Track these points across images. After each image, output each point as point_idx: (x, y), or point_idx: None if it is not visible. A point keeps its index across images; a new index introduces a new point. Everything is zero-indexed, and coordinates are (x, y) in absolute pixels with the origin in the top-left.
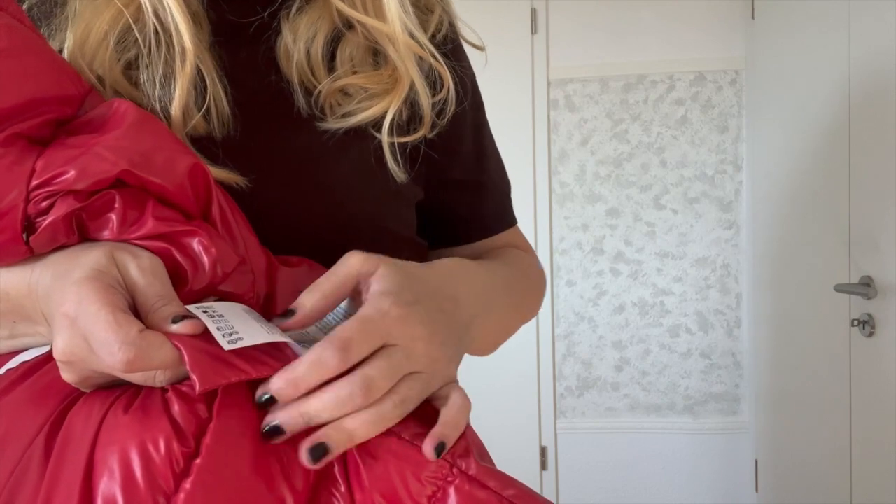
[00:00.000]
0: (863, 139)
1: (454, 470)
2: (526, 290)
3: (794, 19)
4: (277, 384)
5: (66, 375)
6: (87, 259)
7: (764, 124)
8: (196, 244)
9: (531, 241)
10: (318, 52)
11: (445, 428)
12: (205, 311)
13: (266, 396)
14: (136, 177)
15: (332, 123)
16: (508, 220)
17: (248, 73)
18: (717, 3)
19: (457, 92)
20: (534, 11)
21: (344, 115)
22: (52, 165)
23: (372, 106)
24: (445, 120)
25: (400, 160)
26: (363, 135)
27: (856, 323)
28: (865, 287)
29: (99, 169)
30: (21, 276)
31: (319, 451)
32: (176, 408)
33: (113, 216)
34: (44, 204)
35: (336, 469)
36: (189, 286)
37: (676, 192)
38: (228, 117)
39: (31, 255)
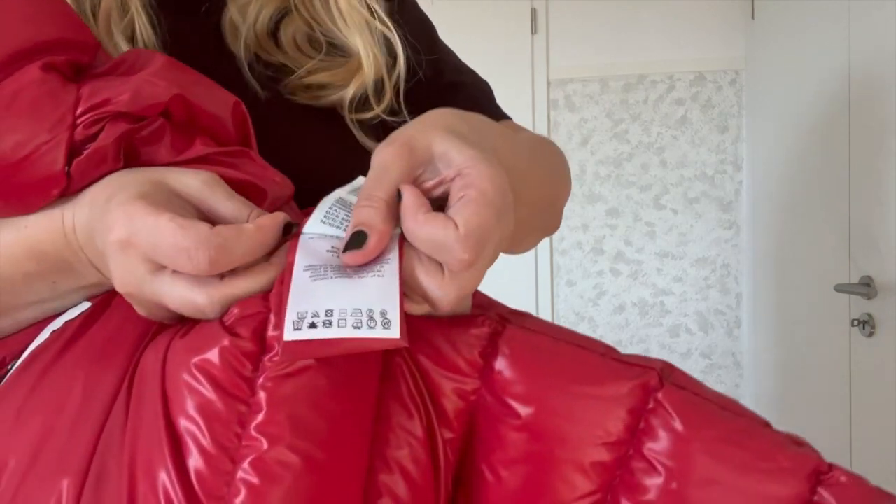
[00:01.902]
0: (863, 139)
1: (501, 324)
2: (554, 164)
3: (794, 19)
4: (405, 224)
5: (138, 308)
6: (130, 179)
7: (764, 124)
8: (252, 164)
9: None
10: (263, 26)
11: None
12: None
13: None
14: (187, 104)
15: (299, 99)
16: (498, 115)
17: (193, 44)
18: (717, 3)
19: (414, 58)
20: (534, 11)
21: (312, 98)
22: (100, 91)
23: (336, 94)
24: (410, 84)
25: (370, 134)
26: (330, 112)
27: (856, 323)
28: (865, 287)
29: (153, 92)
30: (53, 226)
31: None
32: (235, 310)
33: (163, 142)
34: (93, 129)
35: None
36: (266, 203)
37: (676, 192)
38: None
39: (65, 191)
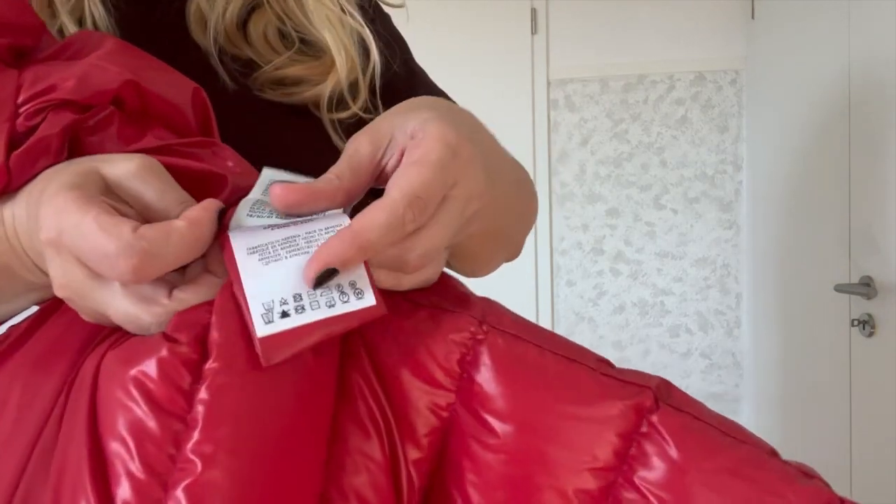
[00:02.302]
0: (863, 139)
1: (483, 327)
2: (526, 181)
3: (794, 19)
4: (346, 252)
5: (81, 314)
6: (62, 169)
7: (764, 124)
8: (218, 155)
9: (531, 241)
10: (233, 18)
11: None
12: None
13: (329, 276)
14: (141, 91)
15: (277, 96)
16: None
17: (152, 29)
18: (717, 3)
19: (387, 55)
20: (534, 11)
21: (283, 95)
22: (44, 77)
23: (309, 90)
24: (380, 85)
25: (343, 135)
26: (303, 111)
27: (856, 323)
28: (865, 287)
29: (102, 78)
30: None
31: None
32: (175, 317)
33: (109, 131)
34: (36, 119)
35: (360, 346)
36: (224, 195)
37: (676, 192)
38: None
39: (6, 188)
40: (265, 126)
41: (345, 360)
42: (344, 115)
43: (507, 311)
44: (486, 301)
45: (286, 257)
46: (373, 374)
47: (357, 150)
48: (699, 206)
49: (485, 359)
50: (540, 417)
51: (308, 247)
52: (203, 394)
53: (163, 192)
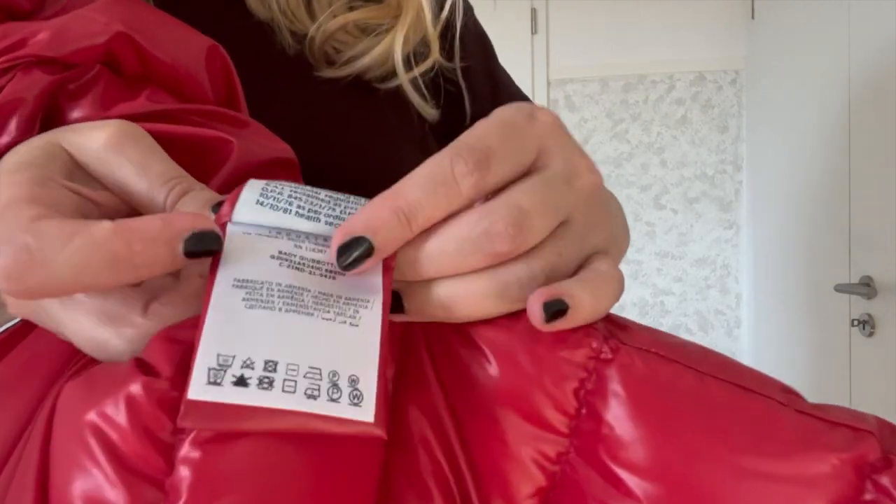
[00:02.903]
0: (863, 139)
1: (610, 343)
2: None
3: (794, 19)
4: (377, 215)
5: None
6: (18, 149)
7: (764, 124)
8: (228, 127)
9: None
10: None
11: (576, 287)
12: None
13: (359, 252)
14: (138, 49)
15: (336, 71)
16: None
17: (211, 14)
18: (717, 3)
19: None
20: (534, 11)
21: (349, 61)
22: (13, 31)
23: (377, 43)
24: (455, 39)
25: (426, 94)
26: (369, 88)
27: (856, 323)
28: (865, 287)
29: (85, 31)
30: None
31: (396, 304)
32: (150, 343)
33: (91, 94)
34: (2, 81)
35: (427, 366)
36: (227, 170)
37: (676, 192)
38: None
39: None
40: (325, 102)
41: (402, 389)
42: (423, 67)
43: (633, 322)
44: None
45: (281, 309)
46: (445, 409)
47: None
48: (699, 206)
49: (615, 387)
50: (703, 474)
51: (315, 308)
52: (189, 450)
53: (143, 166)
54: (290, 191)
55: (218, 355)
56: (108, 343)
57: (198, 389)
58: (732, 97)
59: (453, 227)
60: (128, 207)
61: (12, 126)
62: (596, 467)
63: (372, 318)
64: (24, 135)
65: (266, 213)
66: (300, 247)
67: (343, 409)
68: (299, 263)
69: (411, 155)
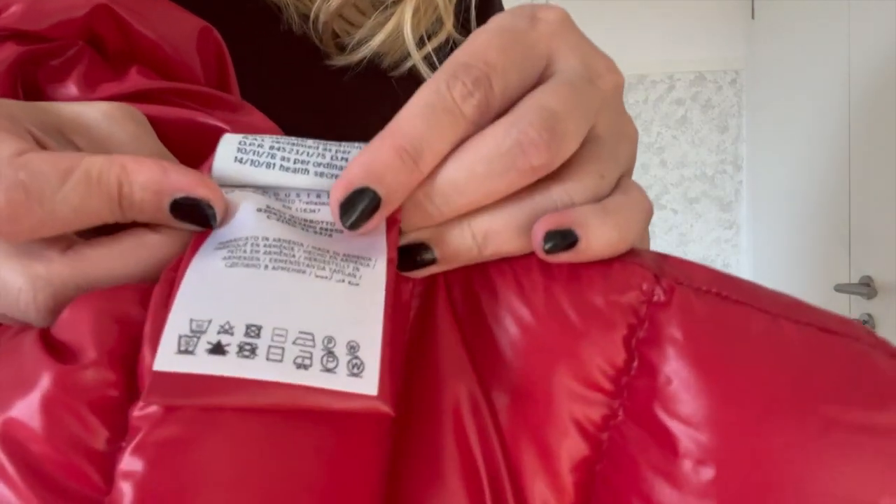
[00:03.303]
0: (863, 139)
1: (663, 283)
2: None
3: (794, 19)
4: (377, 158)
5: None
6: None
7: (764, 124)
8: (220, 111)
9: None
10: None
11: (594, 218)
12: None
13: (364, 205)
14: (121, 24)
15: (349, 57)
16: None
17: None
18: (717, 3)
19: None
20: None
21: (360, 43)
22: None
23: (388, 19)
24: (469, 12)
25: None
26: (384, 76)
27: None
28: (865, 287)
29: (62, 4)
30: None
31: (426, 256)
32: (64, 312)
33: (74, 73)
34: None
35: (448, 314)
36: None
37: (676, 192)
38: None
39: None
40: (335, 85)
41: (418, 355)
42: (436, 41)
43: (691, 261)
44: (653, 252)
45: (267, 266)
46: (471, 372)
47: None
48: (699, 206)
49: (673, 332)
50: (782, 428)
51: (307, 266)
52: (131, 462)
53: (137, 137)
54: (272, 142)
55: (191, 320)
56: (9, 284)
57: (166, 359)
58: (732, 97)
59: (478, 146)
60: None
61: None
62: (651, 429)
63: (375, 276)
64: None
65: (246, 170)
66: (289, 207)
67: (340, 381)
68: (290, 220)
69: None
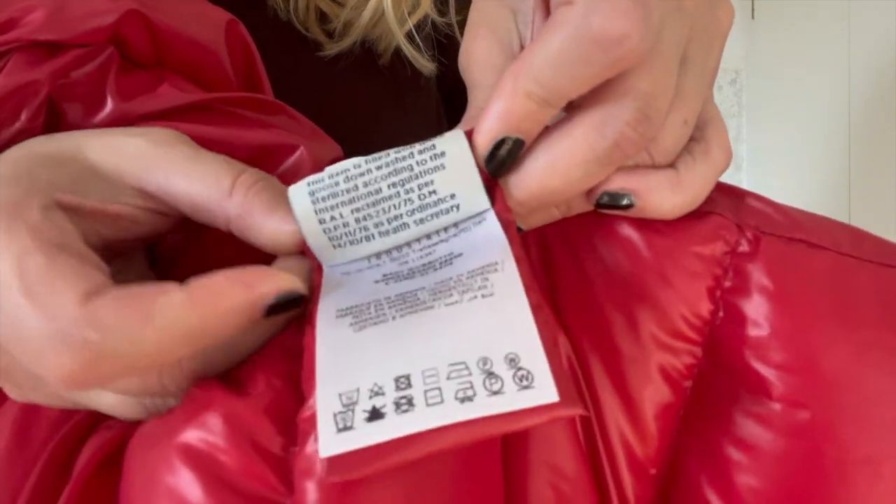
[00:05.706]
0: (863, 139)
1: (748, 233)
2: None
3: (794, 19)
4: (513, 105)
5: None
6: (25, 160)
7: (764, 124)
8: (286, 123)
9: None
10: None
11: (659, 185)
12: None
13: (507, 149)
14: (151, 27)
15: (339, 44)
16: None
17: None
18: None
19: None
20: None
21: (345, 27)
22: (2, 9)
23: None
24: None
25: (422, 46)
26: (375, 65)
27: None
28: None
29: (88, 9)
30: None
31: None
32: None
33: (108, 83)
34: None
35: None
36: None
37: None
38: None
39: None
40: (325, 71)
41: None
42: (414, 18)
43: (765, 199)
44: (729, 188)
45: (394, 318)
46: (553, 317)
47: (485, 59)
48: None
49: (762, 280)
50: (882, 373)
51: (434, 300)
52: (304, 465)
53: (195, 160)
54: (352, 209)
55: (340, 395)
56: (151, 410)
57: (329, 442)
58: (732, 97)
59: (573, 150)
60: (159, 215)
61: (23, 115)
62: (741, 375)
63: (507, 278)
64: (32, 122)
65: (350, 251)
66: (406, 262)
67: (511, 400)
68: (409, 274)
69: (426, 129)
